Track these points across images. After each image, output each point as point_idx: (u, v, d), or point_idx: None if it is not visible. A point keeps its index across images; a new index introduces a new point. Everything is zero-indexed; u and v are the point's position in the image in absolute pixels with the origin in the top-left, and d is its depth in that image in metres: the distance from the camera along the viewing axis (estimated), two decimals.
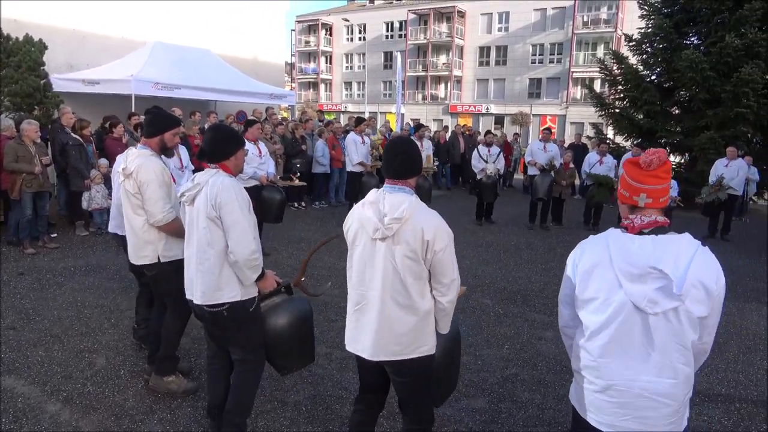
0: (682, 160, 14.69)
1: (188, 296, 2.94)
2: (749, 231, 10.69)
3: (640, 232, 1.88)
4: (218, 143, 2.89)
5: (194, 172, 4.06)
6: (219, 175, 2.81)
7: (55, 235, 7.70)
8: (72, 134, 7.86)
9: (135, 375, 3.93)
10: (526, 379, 4.17)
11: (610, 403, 1.90)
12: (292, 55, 52.40)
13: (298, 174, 9.69)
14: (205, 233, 2.77)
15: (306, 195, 11.29)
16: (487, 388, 3.98)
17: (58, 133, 7.90)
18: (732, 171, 9.62)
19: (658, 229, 1.87)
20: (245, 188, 2.97)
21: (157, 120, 3.56)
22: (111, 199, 7.82)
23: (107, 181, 7.94)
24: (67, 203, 8.28)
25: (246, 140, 6.78)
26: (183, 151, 5.95)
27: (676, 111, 14.54)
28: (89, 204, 7.86)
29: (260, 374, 3.06)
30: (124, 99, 10.29)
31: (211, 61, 13.12)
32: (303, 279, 3.37)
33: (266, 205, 6.65)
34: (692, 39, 14.25)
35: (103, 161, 8.02)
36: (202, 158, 2.93)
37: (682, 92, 13.79)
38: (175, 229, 3.39)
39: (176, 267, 3.28)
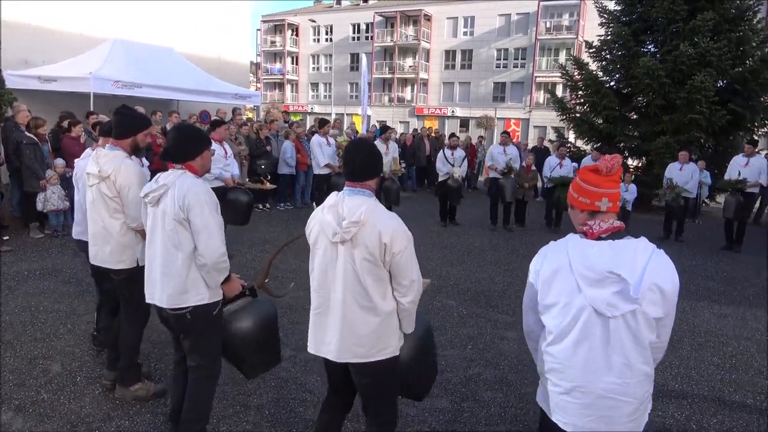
0: (640, 164, 15.13)
1: (149, 299, 2.88)
2: (702, 233, 11.10)
3: (599, 238, 1.93)
4: (184, 143, 2.84)
5: (153, 172, 3.97)
6: (186, 176, 2.76)
7: (8, 237, 7.43)
8: (27, 133, 7.59)
9: (92, 381, 3.82)
10: (489, 378, 4.24)
11: (574, 404, 1.96)
12: (257, 54, 51.85)
13: (269, 177, 9.61)
14: (172, 235, 2.72)
15: (271, 196, 11.19)
16: (450, 388, 4.03)
17: (11, 131, 7.62)
18: (685, 175, 9.97)
19: (615, 234, 1.93)
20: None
21: (129, 120, 3.47)
22: (68, 201, 7.68)
23: (63, 181, 7.71)
24: (21, 204, 7.99)
25: (212, 140, 6.76)
26: None
27: (634, 116, 14.98)
28: (44, 205, 7.60)
29: (216, 381, 3.02)
30: (82, 97, 10.00)
31: (174, 60, 12.88)
32: (267, 280, 3.35)
33: (232, 207, 6.56)
34: (649, 47, 14.71)
35: (60, 161, 7.78)
36: (166, 158, 2.87)
37: (639, 98, 14.22)
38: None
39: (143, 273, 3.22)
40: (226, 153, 7.01)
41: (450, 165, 9.97)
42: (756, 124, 14.20)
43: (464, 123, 43.31)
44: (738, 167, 9.49)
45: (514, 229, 10.26)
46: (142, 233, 3.31)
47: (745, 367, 4.73)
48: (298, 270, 6.53)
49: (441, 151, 10.48)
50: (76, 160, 4.39)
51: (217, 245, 2.72)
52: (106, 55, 10.89)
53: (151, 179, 2.95)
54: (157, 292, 2.82)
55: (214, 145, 6.77)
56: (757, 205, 12.48)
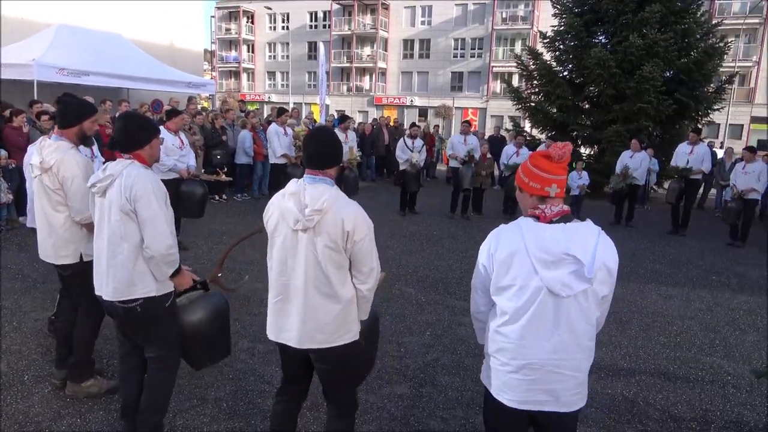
0: (592, 152, 15.57)
1: (98, 292, 2.81)
2: (650, 218, 11.54)
3: (551, 221, 2.00)
4: (131, 132, 2.76)
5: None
6: (133, 166, 2.69)
7: None
8: None
9: (40, 380, 3.70)
10: (447, 363, 4.32)
11: (523, 381, 2.03)
12: (211, 42, 50.61)
13: (224, 168, 9.42)
14: (118, 226, 2.66)
15: (228, 187, 10.99)
16: (409, 374, 4.08)
17: None
18: (635, 162, 10.33)
19: (564, 218, 2.02)
20: (164, 181, 2.87)
21: (73, 108, 3.34)
22: (11, 194, 7.35)
23: (6, 173, 7.38)
24: None
25: (167, 130, 6.58)
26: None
27: (586, 105, 15.37)
28: None
29: (175, 372, 2.97)
30: (25, 85, 9.56)
31: (123, 47, 12.46)
32: (220, 274, 3.30)
33: (187, 199, 6.42)
34: (600, 38, 15.10)
35: (2, 152, 7.43)
36: (114, 148, 2.79)
37: (591, 88, 14.60)
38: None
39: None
40: (182, 143, 6.84)
41: (410, 152, 10.03)
42: (700, 113, 14.80)
43: (423, 112, 43.49)
44: (683, 155, 9.89)
45: (472, 217, 10.41)
46: (88, 227, 3.21)
47: (688, 345, 4.97)
48: (255, 262, 6.45)
49: (401, 139, 10.53)
50: (29, 147, 4.21)
51: (165, 237, 2.66)
52: (49, 41, 10.46)
53: None
54: (104, 285, 2.75)
55: (169, 136, 6.61)
56: (701, 190, 13.07)
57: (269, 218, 2.46)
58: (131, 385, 2.94)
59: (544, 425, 2.14)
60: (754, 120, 36.54)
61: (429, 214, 10.50)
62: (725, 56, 14.89)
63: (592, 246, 1.93)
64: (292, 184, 2.43)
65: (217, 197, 10.45)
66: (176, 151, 6.66)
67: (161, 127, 6.42)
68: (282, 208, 2.39)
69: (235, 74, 51.07)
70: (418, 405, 3.67)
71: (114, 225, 2.67)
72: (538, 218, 2.03)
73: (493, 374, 2.14)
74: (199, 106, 12.98)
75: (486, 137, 16.07)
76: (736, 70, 23.20)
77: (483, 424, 2.37)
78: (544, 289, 1.95)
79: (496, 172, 13.19)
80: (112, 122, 8.88)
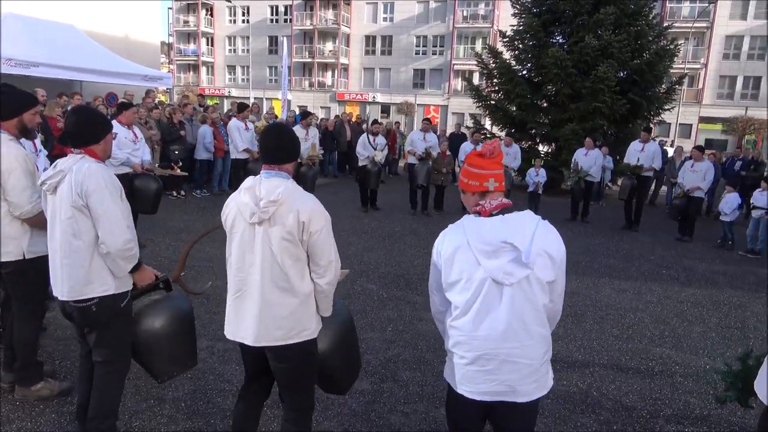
0: (549, 150, 15.92)
1: (54, 293, 2.72)
2: (605, 214, 11.90)
3: (491, 214, 2.08)
4: (84, 126, 2.68)
5: (54, 158, 3.69)
6: (85, 161, 2.61)
7: None
8: None
9: None
10: (408, 358, 4.36)
11: (480, 372, 2.08)
12: (169, 34, 49.31)
13: (180, 163, 9.22)
14: (71, 224, 2.57)
15: (186, 183, 10.77)
16: (370, 370, 4.11)
17: None
18: (590, 160, 10.63)
19: (504, 210, 2.09)
20: (117, 175, 2.79)
21: (11, 99, 3.18)
22: None
23: None
24: None
25: (120, 124, 6.40)
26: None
27: (544, 104, 15.69)
28: None
29: (124, 376, 2.89)
30: None
31: (75, 38, 12.03)
32: (182, 273, 3.22)
33: (140, 194, 6.26)
34: (557, 38, 15.43)
35: None
36: (65, 143, 2.70)
37: (549, 87, 14.91)
38: (42, 221, 3.08)
39: (40, 264, 3.01)
40: (135, 137, 6.66)
41: (372, 149, 10.04)
42: (651, 112, 15.34)
43: (385, 109, 43.59)
44: (635, 153, 10.24)
45: (433, 213, 10.51)
46: (29, 222, 3.11)
47: (640, 337, 5.16)
48: (215, 259, 6.35)
49: (362, 136, 10.53)
50: None
51: (121, 232, 2.60)
52: None
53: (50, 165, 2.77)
54: (59, 285, 2.66)
55: (122, 129, 6.42)
56: (653, 187, 13.56)
57: (227, 215, 2.45)
58: (88, 386, 2.85)
59: (504, 417, 2.18)
60: (703, 120, 38.11)
61: (391, 211, 10.55)
62: (675, 58, 15.45)
63: (530, 233, 2.01)
64: (249, 180, 2.43)
65: (175, 193, 10.24)
66: (129, 144, 6.48)
67: (114, 121, 6.24)
68: (238, 203, 2.38)
69: (194, 68, 49.98)
70: (380, 400, 3.69)
71: (66, 222, 2.59)
72: (479, 214, 2.11)
73: (453, 369, 2.19)
74: (156, 100, 12.67)
75: (447, 134, 16.21)
76: (685, 71, 24.09)
77: (445, 417, 2.42)
78: (488, 280, 2.02)
79: (456, 169, 13.35)
80: (64, 115, 8.58)
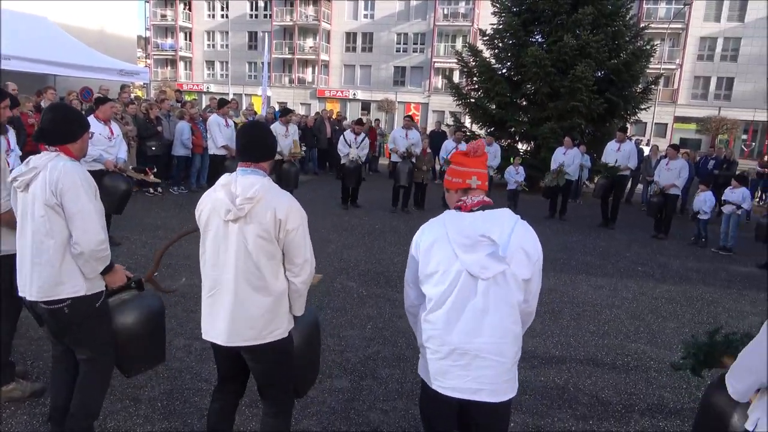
0: (528, 148, 16.07)
1: (21, 293, 2.65)
2: (582, 212, 12.05)
3: (471, 210, 2.12)
4: (63, 124, 2.63)
5: (26, 155, 3.60)
6: (59, 159, 2.55)
7: None
8: None
9: None
10: (387, 355, 4.36)
11: (453, 366, 2.09)
12: (146, 29, 48.52)
13: (155, 169, 9.08)
14: (43, 222, 2.51)
15: (164, 180, 10.61)
16: (349, 368, 4.10)
17: None
18: (569, 158, 10.76)
19: (485, 206, 2.13)
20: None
21: None
22: None
23: None
24: None
25: (96, 119, 6.27)
26: (11, 133, 5.29)
27: (524, 103, 15.84)
28: None
29: (109, 374, 2.85)
30: None
31: (49, 30, 11.77)
32: (156, 273, 3.17)
33: (108, 193, 6.11)
34: (537, 37, 15.54)
35: None
36: (40, 139, 2.64)
37: (528, 85, 15.05)
38: (12, 220, 3.00)
39: (8, 262, 2.93)
40: (112, 134, 6.54)
41: (349, 147, 10.01)
42: (628, 112, 15.58)
43: (366, 106, 43.49)
44: (612, 152, 10.39)
45: (413, 211, 10.53)
46: (2, 219, 3.02)
47: (615, 333, 5.25)
48: (193, 256, 6.27)
49: (343, 133, 10.49)
50: None
51: (95, 232, 2.55)
52: None
53: (22, 162, 2.70)
54: (28, 285, 2.60)
55: (98, 125, 6.30)
56: (629, 186, 13.77)
57: (201, 212, 2.42)
58: (62, 387, 2.80)
59: (477, 417, 2.18)
60: (678, 119, 38.83)
61: (371, 208, 10.54)
62: (651, 58, 15.71)
63: (508, 230, 2.04)
64: (224, 177, 2.41)
65: (152, 190, 10.08)
66: (104, 141, 6.36)
67: (90, 117, 6.12)
68: (213, 200, 2.36)
69: (172, 63, 49.28)
70: (359, 398, 3.69)
71: (38, 221, 2.52)
72: (460, 209, 2.14)
73: (426, 364, 2.19)
74: (132, 95, 12.46)
75: (428, 132, 16.26)
76: (661, 71, 24.56)
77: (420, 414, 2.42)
78: (464, 273, 2.04)
79: (437, 167, 13.40)
80: (36, 111, 8.39)
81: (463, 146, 10.86)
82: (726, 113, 36.79)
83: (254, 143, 2.42)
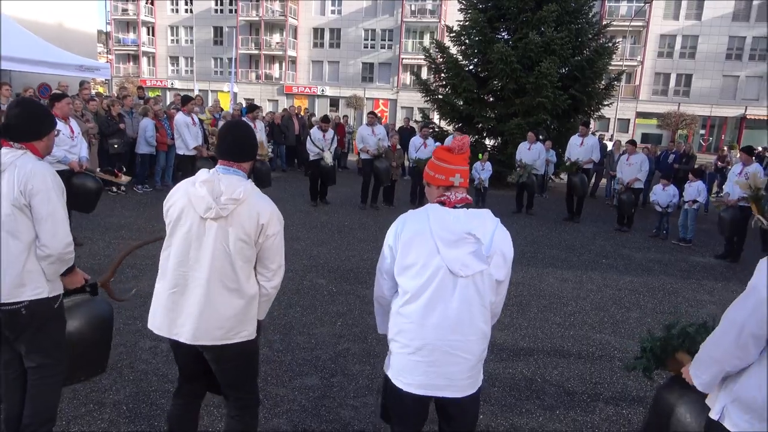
0: (495, 144, 16.25)
1: None
2: (549, 206, 12.27)
3: (455, 206, 2.12)
4: (30, 120, 2.54)
5: None
6: (27, 158, 2.47)
7: None
8: None
9: None
10: (357, 352, 4.37)
11: (422, 362, 2.10)
12: (107, 23, 47.24)
13: (124, 169, 8.84)
14: (8, 222, 2.42)
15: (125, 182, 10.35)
16: (320, 365, 4.09)
17: None
18: (533, 153, 10.93)
19: (467, 205, 2.15)
20: None
21: None
22: None
23: None
24: None
25: (55, 118, 6.07)
26: None
27: (491, 99, 16.00)
28: None
29: (62, 380, 2.75)
30: None
31: (3, 24, 11.31)
32: (111, 279, 3.09)
33: (78, 193, 5.97)
34: (503, 34, 15.73)
35: None
36: (4, 135, 2.54)
37: (495, 82, 15.19)
38: None
39: None
40: (72, 132, 6.35)
41: (319, 149, 9.88)
42: (592, 108, 15.90)
43: (334, 102, 43.32)
44: (575, 146, 10.60)
45: (382, 207, 10.55)
46: None
47: (581, 324, 5.36)
48: (158, 257, 6.16)
49: (311, 131, 10.40)
50: None
51: (64, 235, 2.49)
52: None
53: None
54: None
55: (59, 124, 6.10)
56: (593, 180, 14.07)
57: (172, 206, 2.35)
58: (15, 395, 2.69)
59: (445, 410, 2.22)
60: (639, 115, 39.88)
61: (340, 205, 10.51)
62: (613, 55, 16.06)
63: (490, 230, 2.08)
64: (204, 172, 2.34)
65: (115, 189, 9.83)
66: (66, 141, 6.17)
67: None
68: (191, 195, 2.29)
69: (134, 58, 48.13)
70: (329, 395, 3.69)
71: (3, 221, 2.43)
72: (443, 204, 2.13)
73: (393, 359, 2.20)
74: (93, 92, 12.12)
75: (396, 128, 16.28)
76: (623, 68, 25.17)
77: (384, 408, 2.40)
78: (444, 268, 2.05)
79: (406, 163, 13.44)
80: None
81: (431, 142, 10.95)
82: (685, 109, 37.96)
83: (238, 143, 2.38)
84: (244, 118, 10.22)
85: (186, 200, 2.30)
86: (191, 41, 45.73)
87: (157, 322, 2.40)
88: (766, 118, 37.48)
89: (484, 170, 11.01)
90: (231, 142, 2.38)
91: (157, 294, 2.41)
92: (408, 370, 2.13)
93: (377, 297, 2.36)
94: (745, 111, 37.83)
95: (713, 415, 1.86)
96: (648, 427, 2.35)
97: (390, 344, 2.25)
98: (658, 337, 2.67)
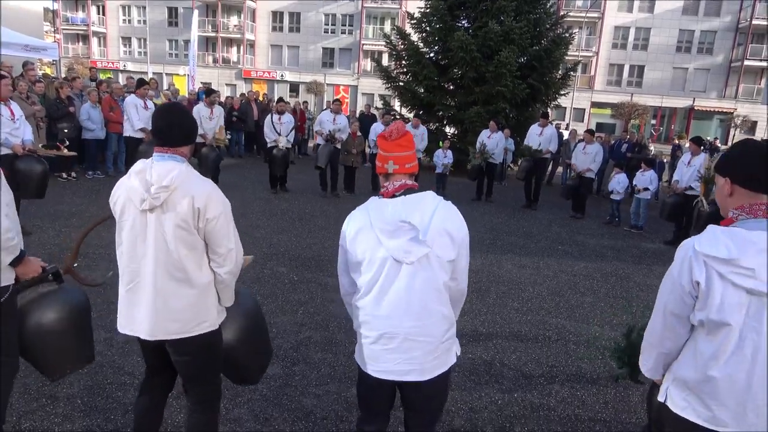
0: (456, 132, 16.39)
1: None
2: (507, 194, 12.48)
3: (393, 196, 2.12)
4: None
5: None
6: None
7: None
8: None
9: None
10: (319, 340, 4.36)
11: (384, 350, 2.13)
12: (53, 0, 45.02)
13: (66, 142, 8.50)
14: None
15: (77, 164, 9.98)
16: (281, 354, 4.07)
17: None
18: (493, 142, 11.08)
19: (408, 191, 2.13)
20: None
21: None
22: None
23: None
24: None
25: None
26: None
27: (451, 87, 16.09)
28: None
29: (13, 377, 2.63)
30: None
31: None
32: (75, 264, 2.96)
33: (24, 177, 5.73)
34: (463, 22, 15.80)
35: None
36: None
37: (455, 70, 15.27)
38: None
39: None
40: (13, 115, 6.07)
41: (277, 133, 9.80)
42: (549, 97, 16.19)
43: (294, 88, 42.72)
44: (534, 136, 10.80)
45: (343, 194, 10.51)
46: None
47: (537, 309, 5.51)
48: (112, 245, 5.97)
49: (268, 116, 10.24)
50: None
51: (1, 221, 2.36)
52: None
53: None
54: None
55: None
56: (549, 168, 14.39)
57: (116, 201, 2.30)
58: None
59: (410, 395, 2.25)
60: (594, 105, 40.91)
61: (301, 192, 10.42)
62: (570, 46, 16.36)
63: (429, 212, 2.06)
64: (140, 164, 2.28)
65: (65, 175, 9.46)
66: (7, 123, 5.90)
67: None
68: (128, 189, 2.24)
69: (84, 38, 46.17)
70: (291, 384, 3.68)
71: None
72: (382, 195, 2.15)
73: (361, 349, 2.23)
74: (39, 73, 11.56)
75: (357, 115, 16.20)
76: (579, 58, 25.64)
77: (356, 397, 2.45)
78: (389, 259, 2.06)
79: (367, 150, 13.39)
80: None
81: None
82: (637, 99, 39.18)
83: (171, 127, 2.30)
84: (201, 103, 9.99)
85: (125, 195, 2.25)
86: (144, 21, 44.12)
87: (121, 319, 2.37)
88: (712, 109, 39.14)
89: (446, 158, 11.10)
90: (163, 126, 2.30)
91: (119, 292, 2.37)
92: (374, 358, 2.17)
93: (342, 295, 2.38)
94: (693, 102, 39.33)
95: (660, 397, 1.95)
96: (651, 424, 2.41)
97: (357, 335, 2.28)
98: (622, 347, 2.75)
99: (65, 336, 2.62)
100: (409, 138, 2.19)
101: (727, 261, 1.67)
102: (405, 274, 2.07)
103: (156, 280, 2.25)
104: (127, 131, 9.39)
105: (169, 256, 2.23)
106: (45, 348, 2.59)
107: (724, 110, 39.09)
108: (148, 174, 2.22)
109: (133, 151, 9.22)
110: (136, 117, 9.23)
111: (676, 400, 1.86)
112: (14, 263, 2.47)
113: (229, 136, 12.87)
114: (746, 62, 37.63)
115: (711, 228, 1.76)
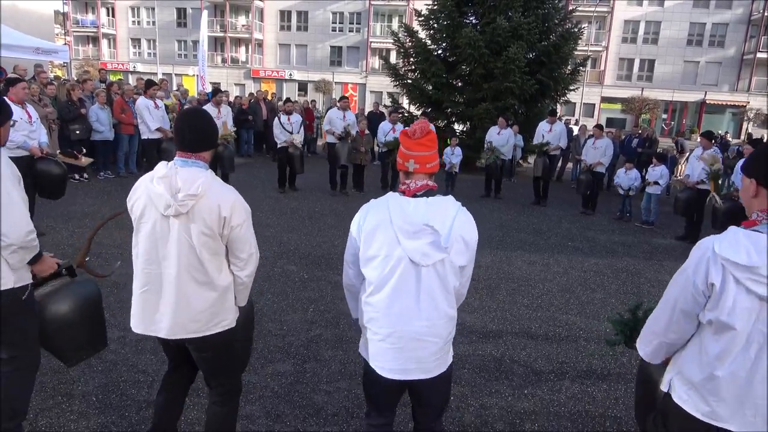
0: (465, 128, 16.35)
1: None
2: (516, 190, 12.44)
3: (414, 195, 2.12)
4: None
5: None
6: None
7: None
8: None
9: None
10: (329, 338, 4.39)
11: (391, 349, 2.15)
12: (63, 3, 45.41)
13: (84, 150, 8.62)
14: None
15: (91, 164, 10.06)
16: (292, 352, 4.11)
17: None
18: (503, 138, 11.06)
19: (428, 192, 2.13)
20: (12, 159, 2.58)
21: None
22: None
23: None
24: None
25: (11, 103, 5.86)
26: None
27: (459, 84, 16.03)
28: None
29: (34, 373, 2.70)
30: None
31: None
32: (87, 259, 3.03)
33: (45, 179, 5.81)
34: (471, 18, 15.74)
35: None
36: None
37: (463, 67, 15.22)
38: None
39: None
40: (30, 117, 6.15)
41: (288, 133, 9.83)
42: (558, 93, 16.09)
43: (302, 86, 42.81)
44: (543, 132, 10.76)
45: (352, 193, 10.53)
46: None
47: (547, 306, 5.50)
48: (124, 245, 6.04)
49: (277, 117, 10.28)
50: None
51: (24, 222, 2.41)
52: None
53: None
54: None
55: (16, 109, 5.90)
56: (559, 164, 14.33)
57: (135, 202, 2.32)
58: None
59: (416, 391, 2.29)
60: (604, 100, 40.60)
61: (310, 191, 10.46)
62: (579, 41, 16.26)
63: (450, 219, 2.07)
64: (162, 167, 2.30)
65: (77, 176, 9.56)
66: (25, 126, 5.98)
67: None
68: (150, 193, 2.26)
69: (94, 40, 46.53)
70: (302, 381, 3.71)
71: None
72: (403, 193, 2.14)
73: (367, 344, 2.25)
74: (51, 75, 11.68)
75: (365, 113, 16.20)
76: (588, 53, 25.52)
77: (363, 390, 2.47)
78: (405, 259, 2.07)
79: (375, 148, 13.42)
80: None
81: (399, 127, 10.96)
82: (648, 93, 38.84)
83: (195, 132, 2.32)
84: (209, 103, 10.05)
85: (147, 198, 2.28)
86: (153, 22, 44.40)
87: (135, 321, 2.41)
88: (724, 103, 38.71)
89: (454, 155, 11.09)
90: (187, 132, 2.32)
91: (133, 293, 2.40)
92: (380, 355, 2.19)
93: (346, 285, 2.39)
94: (705, 96, 38.93)
95: (663, 386, 1.96)
96: (640, 400, 2.44)
97: (363, 329, 2.29)
98: (626, 320, 2.77)
99: (81, 325, 2.74)
100: (432, 137, 2.17)
101: (747, 268, 1.65)
102: (420, 276, 2.08)
103: (179, 284, 2.29)
104: (144, 134, 9.49)
105: (193, 260, 2.27)
106: (63, 337, 2.71)
107: (737, 104, 38.62)
108: (173, 180, 2.24)
109: (151, 153, 9.33)
110: (150, 119, 9.31)
111: (680, 393, 1.86)
112: (32, 261, 2.54)
113: (234, 129, 12.89)
114: (759, 54, 37.13)
115: (733, 230, 1.74)
